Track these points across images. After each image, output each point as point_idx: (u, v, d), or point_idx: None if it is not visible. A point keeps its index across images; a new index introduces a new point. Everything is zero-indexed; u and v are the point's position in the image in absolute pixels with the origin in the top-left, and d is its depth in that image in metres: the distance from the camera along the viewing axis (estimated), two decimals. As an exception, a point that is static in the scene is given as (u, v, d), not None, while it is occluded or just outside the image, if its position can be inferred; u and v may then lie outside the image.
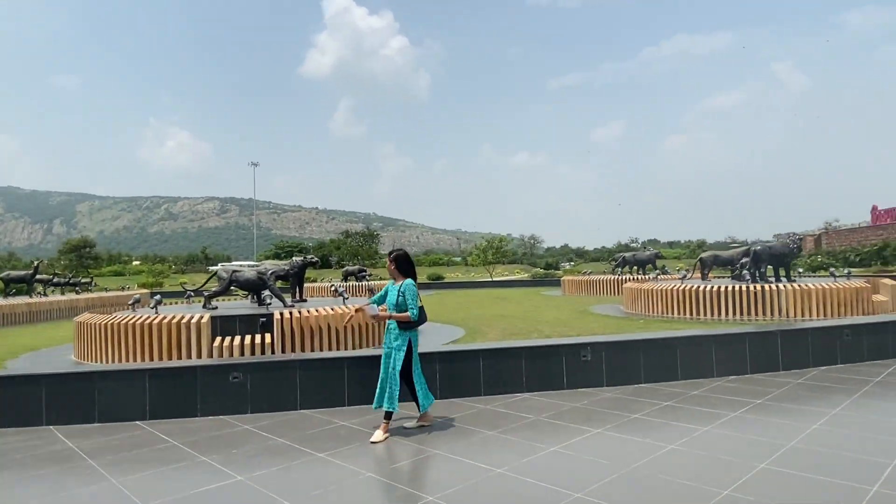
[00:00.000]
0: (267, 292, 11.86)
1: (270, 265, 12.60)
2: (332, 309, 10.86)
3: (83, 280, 28.81)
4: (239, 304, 13.57)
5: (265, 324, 10.50)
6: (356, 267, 32.75)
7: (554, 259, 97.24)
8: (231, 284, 12.12)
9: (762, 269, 15.72)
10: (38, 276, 25.09)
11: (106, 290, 28.92)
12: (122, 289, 30.81)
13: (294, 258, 13.75)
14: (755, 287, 14.35)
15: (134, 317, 10.21)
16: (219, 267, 12.36)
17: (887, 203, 62.18)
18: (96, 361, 10.33)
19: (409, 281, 5.68)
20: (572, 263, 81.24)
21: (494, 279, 45.32)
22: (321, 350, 10.49)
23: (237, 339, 10.03)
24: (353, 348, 10.92)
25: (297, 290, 13.69)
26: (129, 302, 12.35)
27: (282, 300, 11.83)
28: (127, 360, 9.97)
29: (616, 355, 7.21)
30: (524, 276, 50.66)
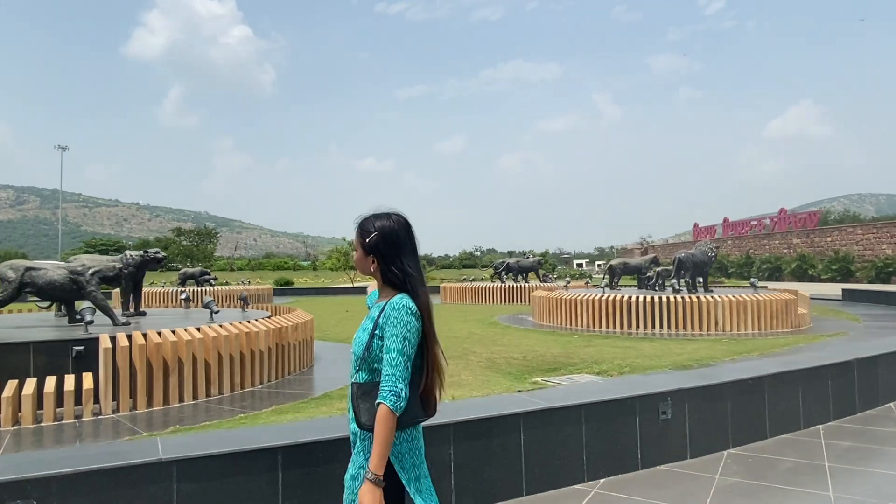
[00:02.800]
0: (85, 303, 7.64)
1: (88, 260, 8.35)
2: (198, 329, 7.07)
3: None
4: (32, 320, 8.96)
5: (81, 356, 6.44)
6: (198, 269, 27.25)
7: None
8: (23, 289, 7.70)
9: (687, 278, 14.62)
10: None
11: None
12: None
13: (127, 252, 9.51)
14: (690, 298, 13.03)
15: None
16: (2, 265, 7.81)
17: (706, 221, 70.05)
18: None
19: (401, 300, 2.02)
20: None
21: (355, 285, 41.82)
22: (184, 399, 6.65)
23: (29, 384, 5.87)
24: (235, 390, 7.22)
25: (133, 298, 9.47)
26: None
27: (111, 315, 7.69)
28: None
29: (700, 407, 4.67)
30: (386, 282, 47.68)
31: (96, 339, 6.37)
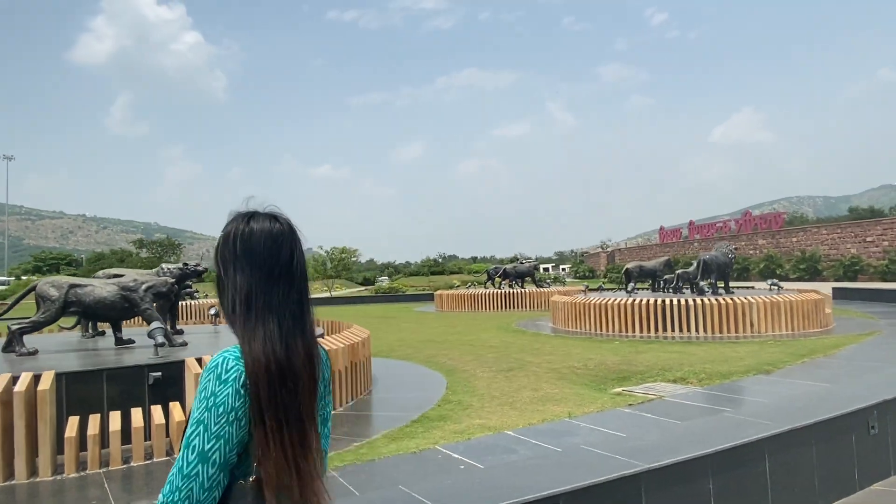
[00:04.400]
0: (155, 323, 6.81)
1: (137, 275, 7.57)
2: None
3: None
4: (57, 344, 8.04)
5: (158, 382, 5.71)
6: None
7: (371, 274, 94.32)
8: (68, 308, 6.89)
9: (712, 279, 14.60)
10: None
11: None
12: None
13: (164, 266, 8.73)
14: (725, 300, 12.96)
15: None
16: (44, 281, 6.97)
17: (655, 224, 71.56)
18: None
19: (220, 354, 1.17)
20: (388, 279, 78.81)
21: (334, 295, 40.79)
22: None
23: (114, 419, 5.10)
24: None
25: (171, 315, 8.67)
26: None
27: (167, 337, 6.92)
28: None
29: (898, 419, 4.37)
30: (365, 291, 46.81)
31: (180, 364, 5.66)
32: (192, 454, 1.08)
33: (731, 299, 12.97)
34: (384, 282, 72.09)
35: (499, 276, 25.64)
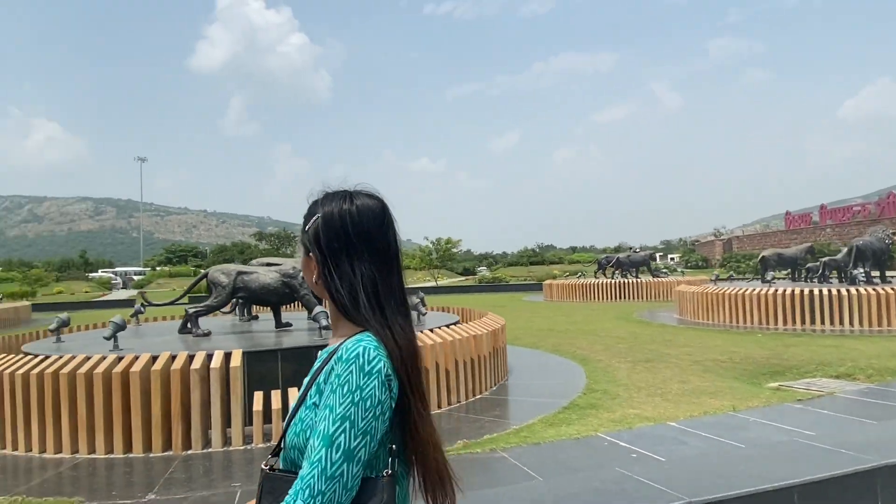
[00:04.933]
0: (319, 308, 7.21)
1: (295, 263, 8.04)
2: (432, 331, 6.57)
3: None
4: (229, 326, 8.74)
5: (324, 363, 6.03)
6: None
7: (471, 264, 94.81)
8: (236, 293, 7.46)
9: (866, 268, 13.26)
10: None
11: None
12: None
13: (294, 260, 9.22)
14: (885, 290, 11.71)
15: (75, 361, 5.37)
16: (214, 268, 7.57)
17: (775, 209, 65.93)
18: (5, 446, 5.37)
19: (356, 344, 1.07)
20: (486, 269, 78.62)
21: (439, 284, 41.50)
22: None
23: (277, 396, 5.46)
24: (469, 398, 6.69)
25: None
26: (51, 327, 7.22)
27: (318, 321, 7.29)
28: (71, 445, 5.15)
29: None
30: (469, 281, 47.27)
31: (345, 346, 5.96)
32: (336, 453, 0.99)
33: (893, 289, 11.70)
34: (483, 272, 72.36)
35: (611, 266, 24.85)
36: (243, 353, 5.57)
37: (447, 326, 7.20)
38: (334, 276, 1.13)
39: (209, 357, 5.38)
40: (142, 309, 8.75)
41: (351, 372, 1.02)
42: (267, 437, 5.32)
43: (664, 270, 26.64)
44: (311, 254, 1.17)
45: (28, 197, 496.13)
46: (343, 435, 0.99)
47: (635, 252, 25.50)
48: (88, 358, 5.41)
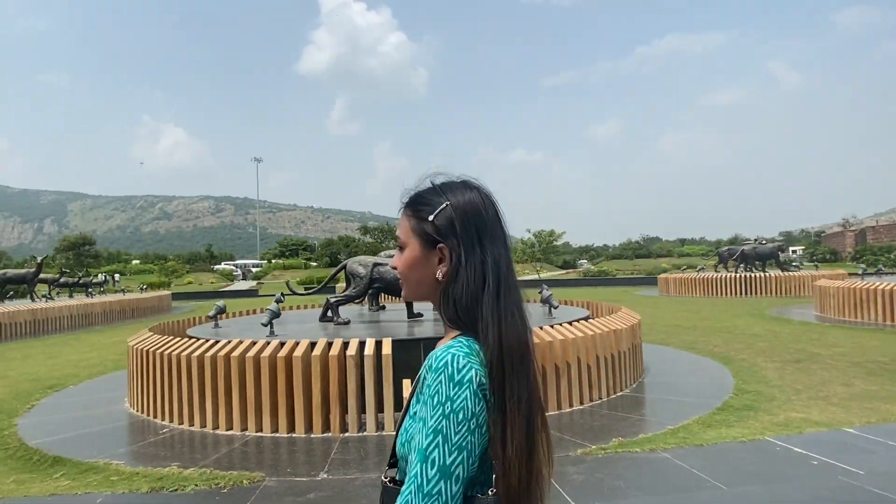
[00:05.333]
0: None
1: None
2: (570, 324, 6.43)
3: (95, 280, 24.16)
4: (361, 315, 9.08)
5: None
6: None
7: (571, 257, 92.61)
8: (373, 284, 7.72)
9: None
10: (40, 276, 20.46)
11: (124, 291, 24.30)
12: (143, 289, 26.18)
13: None
14: None
15: (243, 346, 5.77)
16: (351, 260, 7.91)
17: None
18: (171, 419, 5.90)
19: (445, 351, 1.00)
20: (586, 262, 76.14)
21: (542, 277, 40.97)
22: (572, 404, 6.05)
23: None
24: (610, 395, 6.49)
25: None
26: (210, 313, 7.86)
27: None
28: (240, 423, 5.55)
29: None
30: (572, 274, 46.29)
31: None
32: (431, 469, 0.92)
33: None
34: (585, 265, 70.45)
35: (734, 259, 23.24)
36: (392, 341, 5.73)
37: (581, 321, 7.01)
38: (466, 268, 1.05)
39: (362, 345, 5.58)
40: (282, 297, 9.31)
41: (440, 382, 0.95)
42: (416, 424, 5.44)
43: (794, 264, 24.51)
44: (439, 246, 1.08)
45: (159, 196, 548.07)
46: (437, 450, 0.92)
47: (761, 244, 23.65)
48: (254, 343, 5.80)
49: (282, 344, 5.65)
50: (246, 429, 5.53)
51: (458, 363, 0.96)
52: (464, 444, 0.93)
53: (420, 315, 8.04)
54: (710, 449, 4.68)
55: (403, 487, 0.94)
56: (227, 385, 5.60)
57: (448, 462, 0.92)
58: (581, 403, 6.11)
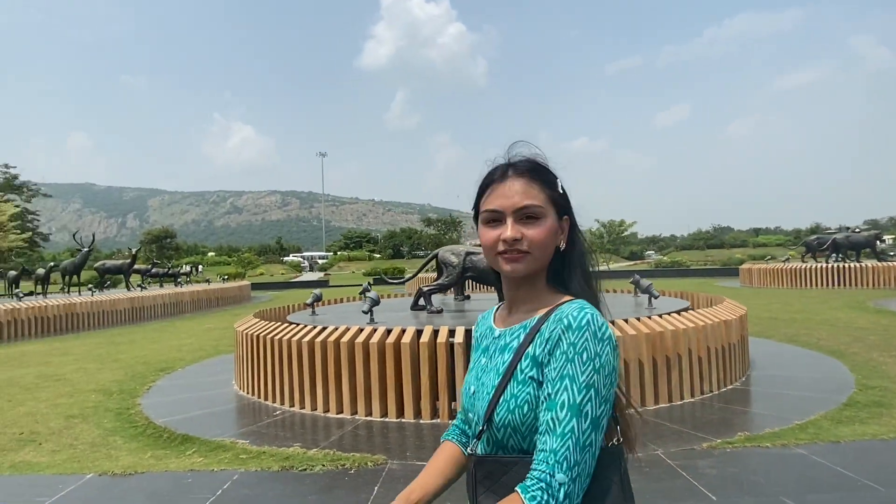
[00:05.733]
0: None
1: None
2: (671, 315, 6.19)
3: (182, 270, 25.52)
4: (447, 304, 9.12)
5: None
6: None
7: (637, 248, 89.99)
8: (465, 273, 7.73)
9: None
10: (135, 267, 21.77)
11: (208, 281, 25.52)
12: (224, 280, 27.42)
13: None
14: None
15: (350, 332, 5.88)
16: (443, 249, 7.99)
17: None
18: (282, 402, 6.10)
19: (581, 311, 1.03)
20: (654, 253, 73.65)
21: (612, 268, 40.01)
22: (683, 396, 5.83)
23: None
24: (721, 388, 6.24)
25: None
26: (308, 301, 8.10)
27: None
28: (350, 407, 5.67)
29: None
30: (641, 265, 45.01)
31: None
32: (585, 422, 0.95)
33: None
34: (653, 256, 68.28)
35: (824, 249, 21.87)
36: None
37: (684, 311, 6.75)
38: (579, 239, 1.16)
39: (468, 333, 5.57)
40: (369, 287, 9.49)
41: (586, 339, 0.99)
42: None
43: (892, 253, 22.83)
44: (565, 218, 1.15)
45: (230, 192, 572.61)
46: (590, 403, 0.96)
47: (855, 232, 22.12)
48: (361, 329, 5.91)
49: (388, 331, 5.72)
50: (356, 413, 5.65)
51: (597, 321, 1.02)
52: (608, 396, 0.99)
53: None
54: (847, 446, 4.38)
55: (552, 445, 0.95)
56: (336, 370, 5.73)
57: (598, 414, 0.97)
58: (692, 396, 5.88)
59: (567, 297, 1.11)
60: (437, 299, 10.11)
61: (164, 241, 63.92)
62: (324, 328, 6.12)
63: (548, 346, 1.03)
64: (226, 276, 30.44)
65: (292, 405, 6.06)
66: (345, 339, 5.74)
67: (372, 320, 6.68)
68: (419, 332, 5.63)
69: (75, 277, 19.09)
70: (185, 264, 35.05)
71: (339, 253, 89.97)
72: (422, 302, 8.01)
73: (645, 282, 7.56)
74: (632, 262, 54.90)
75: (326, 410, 5.80)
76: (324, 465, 4.28)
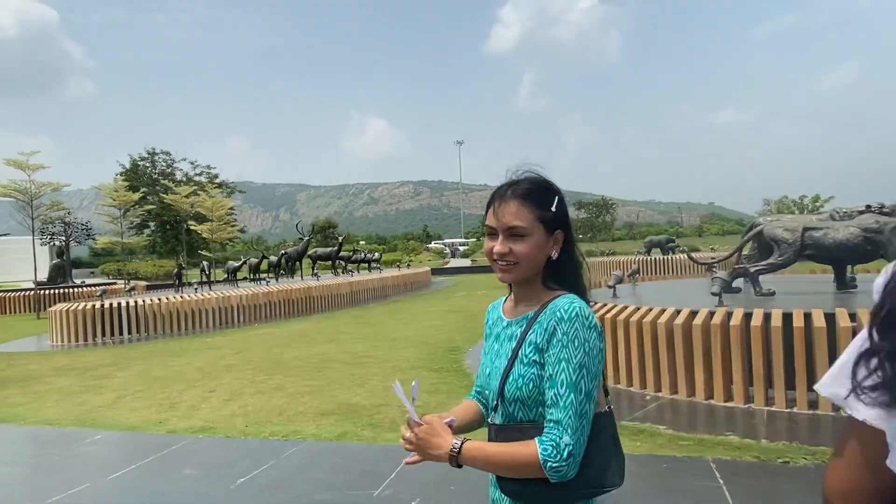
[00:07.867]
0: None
1: (878, 216, 6.82)
2: None
3: (373, 257, 28.02)
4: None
5: None
6: (663, 236, 27.67)
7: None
8: (804, 251, 7.00)
9: None
10: (340, 254, 24.27)
11: (399, 266, 27.66)
12: (399, 266, 29.67)
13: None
14: None
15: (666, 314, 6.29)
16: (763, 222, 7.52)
17: None
18: (643, 386, 6.77)
19: (571, 304, 1.27)
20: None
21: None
22: None
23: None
24: None
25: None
26: (609, 283, 8.49)
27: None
28: (724, 394, 6.18)
29: None
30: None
31: None
32: (580, 395, 1.20)
33: None
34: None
35: None
36: (824, 313, 5.67)
37: None
38: (572, 251, 1.37)
39: (807, 316, 5.66)
40: (637, 271, 9.71)
41: (577, 328, 1.22)
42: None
43: None
44: (557, 232, 1.35)
45: (367, 184, 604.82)
46: (583, 380, 1.20)
47: None
48: (678, 311, 6.30)
49: (712, 313, 6.05)
50: (660, 391, 6.14)
51: (585, 311, 1.26)
52: (597, 372, 1.24)
53: (855, 286, 7.31)
54: None
55: (557, 416, 1.21)
56: (724, 354, 5.83)
57: (590, 388, 1.22)
58: None
59: (560, 292, 1.33)
60: (696, 287, 10.19)
61: (327, 231, 69.61)
62: (649, 309, 6.55)
63: (546, 334, 1.26)
64: (409, 262, 32.67)
65: (658, 390, 6.25)
66: (662, 320, 6.16)
67: (721, 303, 6.49)
68: (769, 316, 5.83)
69: (297, 263, 21.58)
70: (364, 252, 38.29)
71: (480, 239, 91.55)
72: (736, 284, 7.46)
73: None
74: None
75: (629, 385, 6.40)
76: (804, 459, 4.24)
